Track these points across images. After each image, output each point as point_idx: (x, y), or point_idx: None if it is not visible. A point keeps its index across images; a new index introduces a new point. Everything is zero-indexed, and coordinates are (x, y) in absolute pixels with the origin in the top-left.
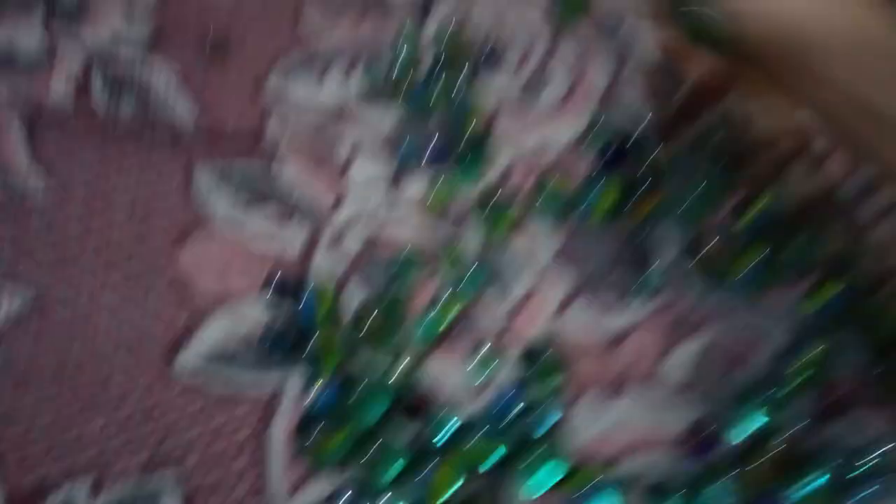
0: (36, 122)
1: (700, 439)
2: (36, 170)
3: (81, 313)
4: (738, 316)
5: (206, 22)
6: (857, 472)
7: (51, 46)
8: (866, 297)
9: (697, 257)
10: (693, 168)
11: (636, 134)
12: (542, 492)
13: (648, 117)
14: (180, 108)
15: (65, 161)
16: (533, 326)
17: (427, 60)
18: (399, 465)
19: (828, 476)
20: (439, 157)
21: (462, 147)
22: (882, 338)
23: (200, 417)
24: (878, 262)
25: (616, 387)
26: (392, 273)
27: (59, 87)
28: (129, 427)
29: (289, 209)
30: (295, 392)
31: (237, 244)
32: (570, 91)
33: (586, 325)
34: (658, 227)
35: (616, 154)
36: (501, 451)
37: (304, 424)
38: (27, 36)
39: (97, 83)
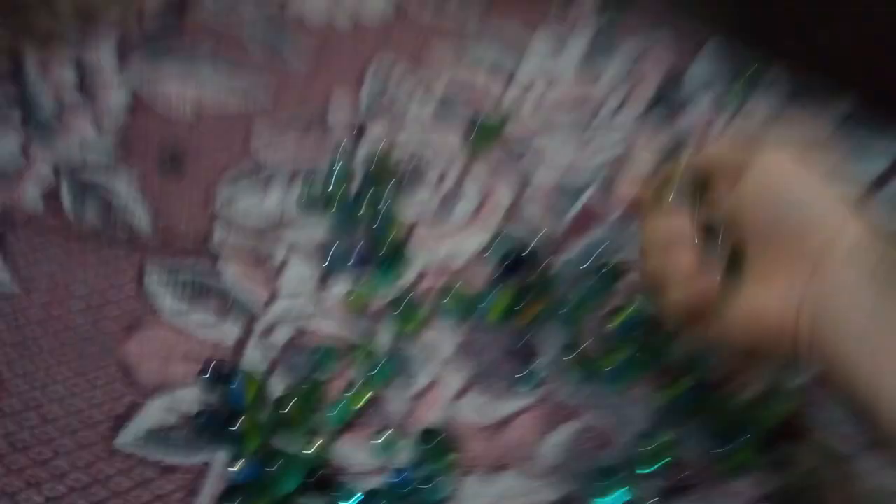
0: (8, 221)
1: None
2: (4, 262)
3: (37, 386)
4: (606, 405)
5: (165, 135)
6: None
7: (25, 154)
8: (711, 392)
9: (575, 354)
10: (576, 277)
11: (532, 246)
12: None
13: (543, 232)
14: (138, 211)
15: (32, 256)
16: (433, 411)
17: (358, 176)
18: None
19: None
20: (363, 262)
21: (383, 253)
22: (723, 426)
23: (136, 488)
24: (721, 364)
25: (500, 464)
26: (313, 362)
27: (31, 190)
28: (70, 499)
29: (228, 304)
30: (221, 466)
31: (180, 334)
32: (479, 207)
33: (478, 410)
34: (543, 328)
35: (513, 263)
36: None
37: (228, 494)
38: (4, 145)
39: (65, 188)
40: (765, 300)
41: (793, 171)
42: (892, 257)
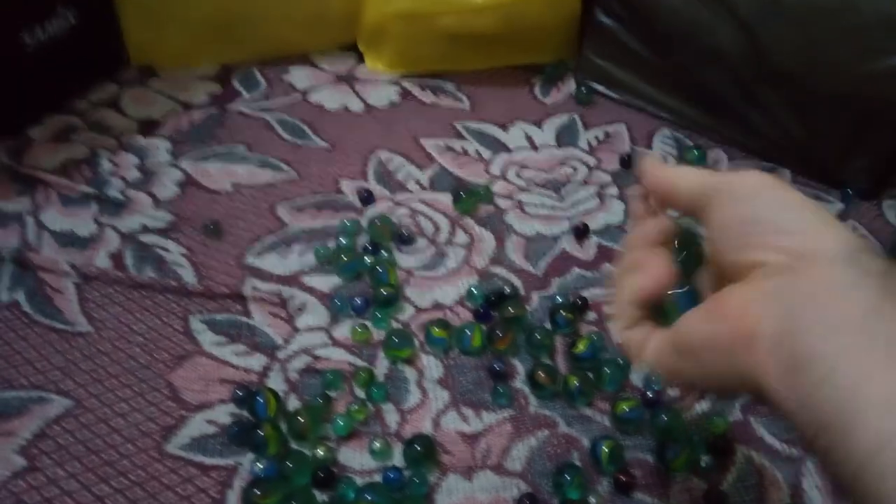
0: (83, 276)
1: None
2: (81, 308)
3: (106, 403)
4: (570, 417)
5: (207, 212)
6: None
7: (97, 224)
8: (660, 407)
9: (537, 379)
10: (549, 311)
11: (512, 285)
12: None
13: (515, 284)
14: (185, 273)
15: (102, 302)
16: (422, 423)
17: (361, 241)
18: None
19: None
20: (367, 303)
21: (384, 296)
22: (669, 436)
23: (183, 483)
24: (663, 388)
25: (477, 465)
26: (324, 384)
27: (102, 252)
28: (132, 491)
29: (256, 339)
30: (248, 464)
31: (217, 363)
32: (461, 266)
33: (454, 428)
34: (518, 353)
35: (494, 300)
36: None
37: (253, 486)
38: (82, 217)
39: (128, 249)
40: (729, 299)
41: (773, 184)
42: (882, 264)
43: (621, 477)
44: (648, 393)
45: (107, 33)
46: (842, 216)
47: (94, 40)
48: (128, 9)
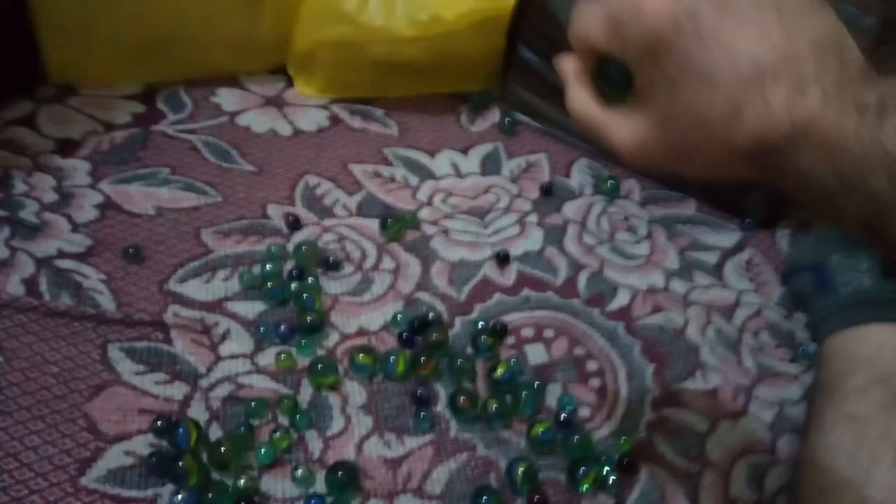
0: None
1: None
2: None
3: (16, 437)
4: (488, 439)
5: (127, 237)
6: None
7: (9, 248)
8: (572, 429)
9: (458, 404)
10: (471, 336)
11: (436, 311)
12: None
13: (438, 309)
14: (103, 300)
15: (14, 331)
16: (345, 449)
17: (287, 267)
18: None
19: None
20: (291, 330)
21: (309, 322)
22: (574, 458)
23: None
24: (574, 411)
25: (399, 490)
26: (247, 412)
27: (14, 277)
28: None
29: (174, 373)
30: (168, 497)
31: (136, 392)
32: (387, 291)
33: (377, 453)
34: (441, 378)
35: (418, 326)
36: None
37: None
38: None
39: (43, 275)
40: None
41: None
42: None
43: (535, 496)
44: (562, 415)
45: (23, 50)
46: (740, 244)
47: (10, 57)
48: (47, 25)
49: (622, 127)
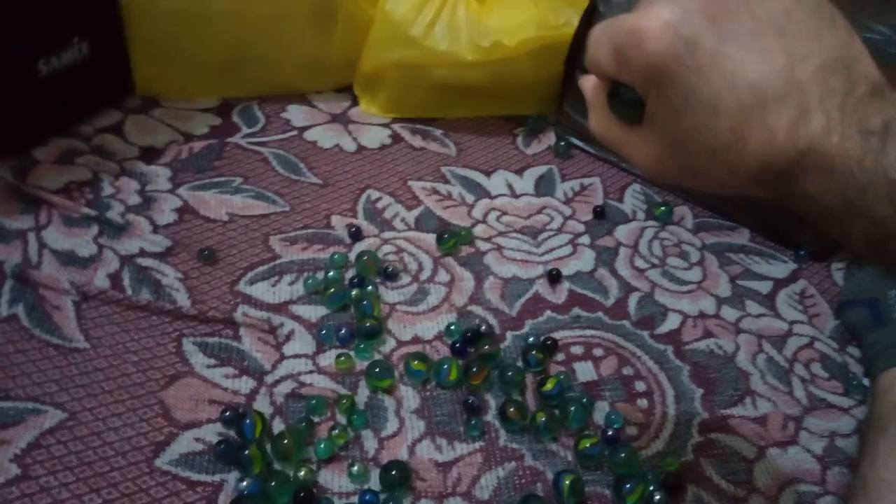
0: (82, 295)
1: None
2: (79, 325)
3: (100, 418)
4: (536, 450)
5: (203, 240)
6: None
7: (98, 251)
8: (618, 445)
9: (507, 414)
10: (521, 350)
11: (488, 324)
12: None
13: (490, 323)
14: (180, 297)
15: (100, 321)
16: (398, 450)
17: (348, 275)
18: None
19: None
20: (351, 334)
21: (367, 328)
22: (620, 475)
23: (170, 496)
24: (621, 428)
25: (448, 492)
26: (307, 408)
27: (101, 273)
28: (121, 503)
29: (242, 368)
30: (233, 482)
31: (207, 384)
32: (441, 303)
33: (428, 456)
34: (491, 388)
35: (471, 337)
36: None
37: (236, 502)
38: (82, 239)
39: (126, 271)
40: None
41: None
42: None
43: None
44: (609, 431)
45: (116, 65)
46: (793, 275)
47: (104, 71)
48: (138, 43)
49: (638, 146)
